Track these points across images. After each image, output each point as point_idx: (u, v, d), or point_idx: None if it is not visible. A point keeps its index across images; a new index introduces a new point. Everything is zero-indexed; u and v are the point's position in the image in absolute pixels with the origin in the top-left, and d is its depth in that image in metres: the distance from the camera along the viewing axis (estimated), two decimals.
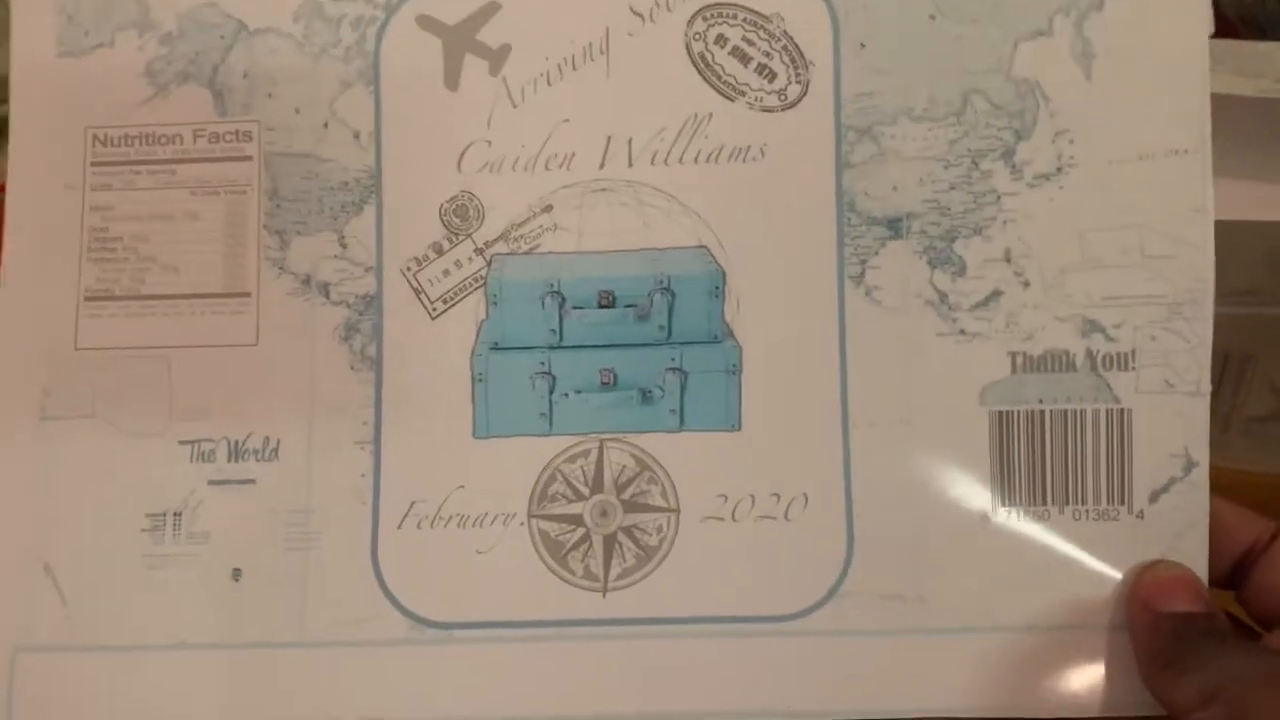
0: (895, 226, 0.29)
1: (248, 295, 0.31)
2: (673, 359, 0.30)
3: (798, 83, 0.30)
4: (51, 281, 0.31)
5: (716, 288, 0.30)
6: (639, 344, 0.30)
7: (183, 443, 0.30)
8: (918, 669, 0.29)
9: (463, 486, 0.30)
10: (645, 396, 0.30)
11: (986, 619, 0.29)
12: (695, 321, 0.30)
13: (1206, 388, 0.28)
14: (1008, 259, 0.29)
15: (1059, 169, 0.29)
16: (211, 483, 0.30)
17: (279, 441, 0.30)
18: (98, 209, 0.31)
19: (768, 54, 0.30)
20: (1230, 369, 0.40)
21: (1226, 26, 0.40)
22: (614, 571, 0.30)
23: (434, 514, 0.30)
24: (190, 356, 0.30)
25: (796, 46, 0.30)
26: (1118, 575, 0.28)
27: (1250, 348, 0.40)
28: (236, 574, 0.30)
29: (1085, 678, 0.28)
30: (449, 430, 0.30)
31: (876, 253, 0.29)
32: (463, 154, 0.30)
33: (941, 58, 0.29)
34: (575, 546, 0.30)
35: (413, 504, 0.30)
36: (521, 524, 0.30)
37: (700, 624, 0.29)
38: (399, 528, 0.30)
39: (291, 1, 0.31)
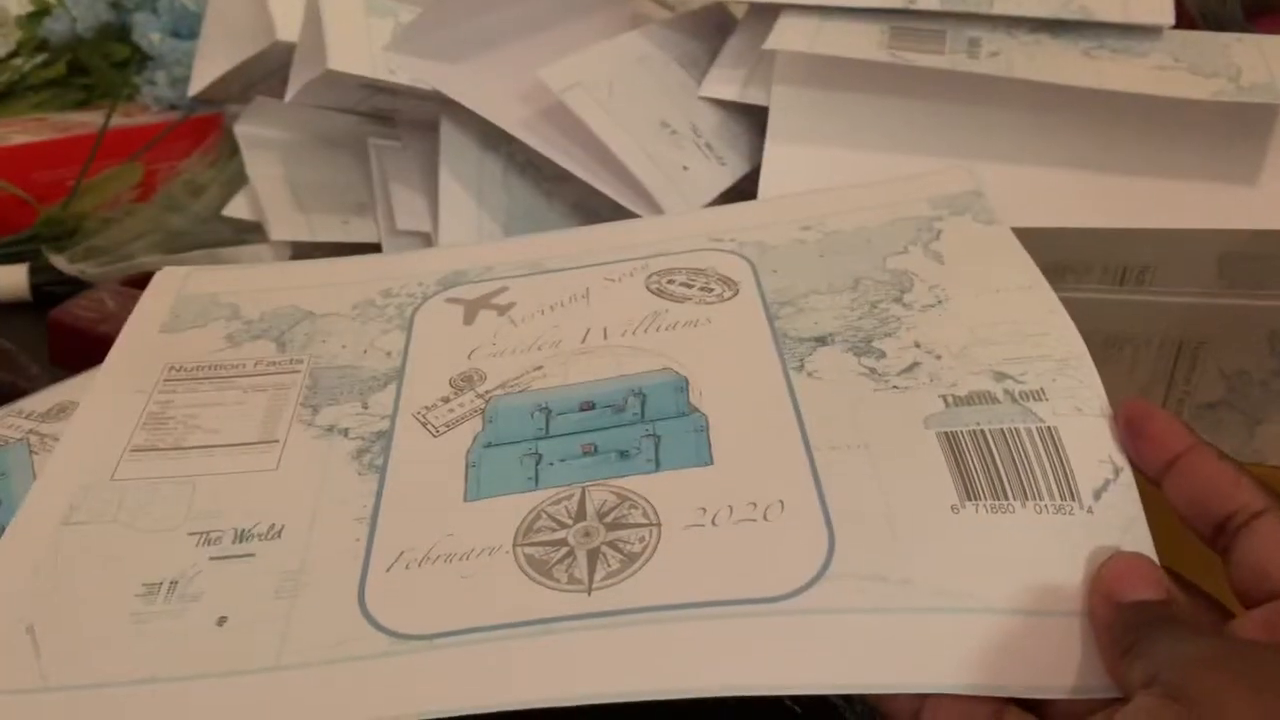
0: (822, 340, 0.36)
1: (276, 441, 0.35)
2: (647, 430, 0.34)
3: (730, 291, 0.40)
4: (102, 446, 0.35)
5: (681, 388, 0.35)
6: (617, 425, 0.34)
7: (192, 534, 0.32)
8: (906, 645, 0.27)
9: (451, 534, 0.31)
10: (623, 455, 0.33)
11: (970, 600, 0.28)
12: (665, 408, 0.34)
13: (1109, 410, 0.32)
14: (918, 345, 0.35)
15: (939, 301, 0.37)
16: (213, 559, 0.31)
17: (283, 526, 0.32)
18: (160, 403, 0.37)
19: (705, 286, 0.40)
20: (1183, 357, 0.40)
21: (1185, 20, 0.46)
22: (598, 575, 0.29)
23: (422, 557, 0.30)
24: (214, 481, 0.34)
25: (726, 278, 0.40)
26: (1081, 564, 0.29)
27: (1201, 335, 0.40)
28: (221, 621, 0.29)
29: (1059, 660, 0.27)
30: (441, 498, 0.32)
31: (810, 355, 0.36)
32: (472, 352, 0.38)
33: (833, 272, 0.40)
34: (559, 561, 0.30)
35: (402, 553, 0.31)
36: (507, 553, 0.30)
37: (689, 609, 0.28)
38: (387, 571, 0.30)
39: (352, 298, 0.42)
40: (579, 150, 0.48)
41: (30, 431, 0.39)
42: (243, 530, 0.32)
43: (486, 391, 0.36)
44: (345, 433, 0.35)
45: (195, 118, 0.69)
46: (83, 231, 0.61)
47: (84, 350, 0.44)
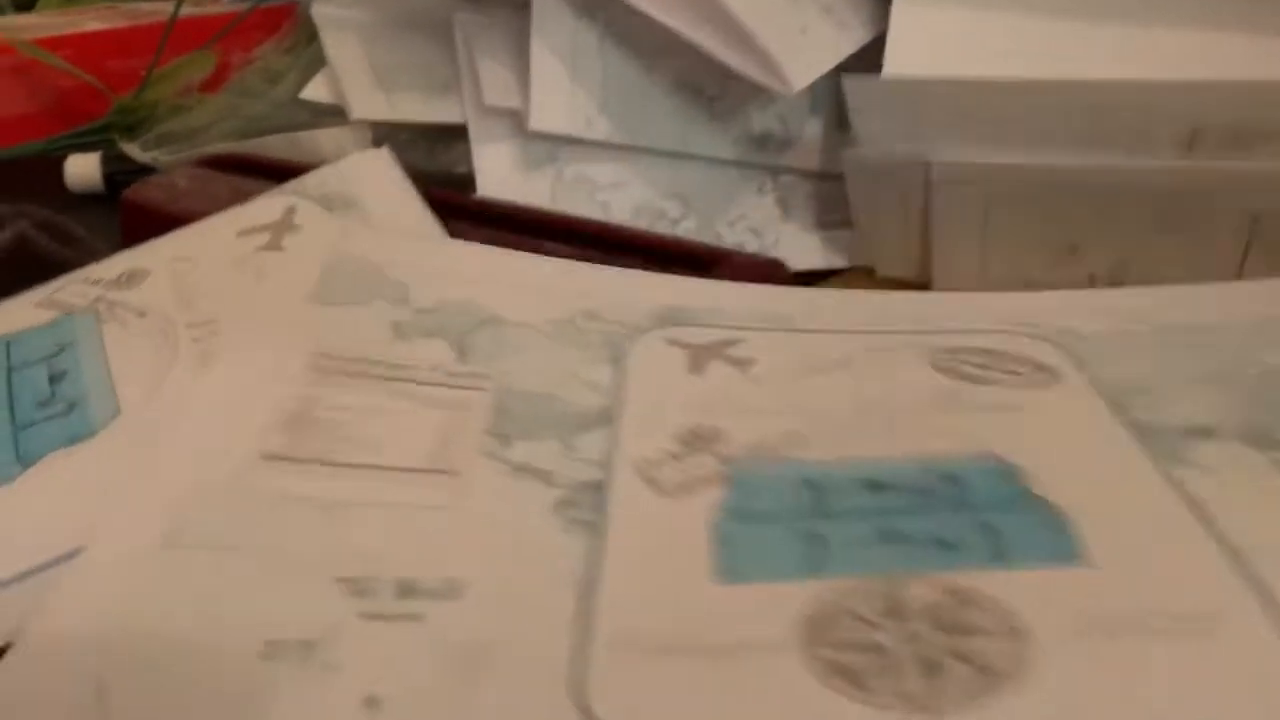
0: (1202, 431, 0.27)
1: (455, 474, 0.27)
2: (978, 518, 0.24)
3: (1044, 375, 0.30)
4: (223, 445, 0.27)
5: (1009, 474, 0.26)
6: (926, 510, 0.24)
7: (339, 580, 0.23)
8: None
9: (705, 622, 0.22)
10: (944, 544, 0.23)
11: None
12: (992, 495, 0.25)
13: None
14: None
15: None
16: (363, 616, 0.22)
17: (464, 583, 0.23)
18: (303, 399, 0.29)
19: (1010, 369, 0.31)
20: None
21: None
22: (950, 693, 0.19)
23: (664, 645, 0.21)
24: (373, 513, 0.25)
25: (1034, 361, 0.31)
26: None
27: None
28: (371, 702, 0.20)
29: None
30: (683, 574, 0.23)
31: (1188, 447, 0.26)
32: (704, 405, 0.29)
33: (1186, 364, 0.30)
34: (880, 671, 0.20)
35: (633, 634, 0.21)
36: (794, 653, 0.20)
37: None
38: (612, 654, 0.21)
39: (546, 312, 0.33)
40: (684, 9, 0.41)
41: (98, 299, 0.35)
42: (408, 582, 0.23)
43: (728, 453, 0.27)
44: (546, 477, 0.26)
45: (268, 7, 0.65)
46: (155, 119, 0.57)
47: (157, 231, 0.40)
